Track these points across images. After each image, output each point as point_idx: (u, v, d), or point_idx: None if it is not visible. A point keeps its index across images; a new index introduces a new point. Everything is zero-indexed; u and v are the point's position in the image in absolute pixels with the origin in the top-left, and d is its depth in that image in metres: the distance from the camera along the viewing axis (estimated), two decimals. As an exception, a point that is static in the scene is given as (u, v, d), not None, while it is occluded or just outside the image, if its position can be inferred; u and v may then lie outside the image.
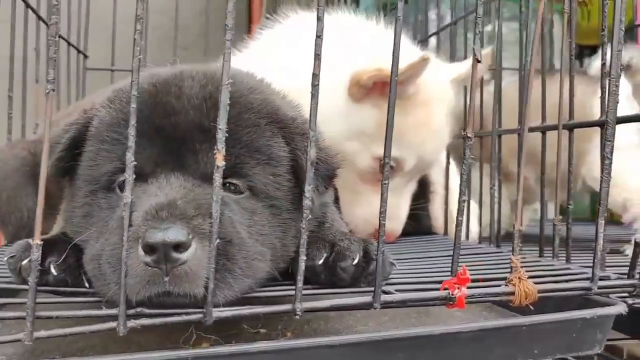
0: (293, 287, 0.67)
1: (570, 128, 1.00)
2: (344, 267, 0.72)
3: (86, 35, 1.91)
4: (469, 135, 0.71)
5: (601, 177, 0.72)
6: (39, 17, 1.58)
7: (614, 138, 0.72)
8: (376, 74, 1.12)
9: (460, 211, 0.71)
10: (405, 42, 1.36)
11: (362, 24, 1.33)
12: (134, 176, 0.66)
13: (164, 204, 0.63)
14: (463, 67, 1.28)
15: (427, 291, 0.71)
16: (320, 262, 0.73)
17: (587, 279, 0.80)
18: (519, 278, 0.71)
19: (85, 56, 1.92)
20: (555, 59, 2.45)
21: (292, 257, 0.76)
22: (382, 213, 0.67)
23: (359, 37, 1.24)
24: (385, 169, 0.67)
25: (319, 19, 0.65)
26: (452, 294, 0.70)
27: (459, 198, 0.71)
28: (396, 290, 0.74)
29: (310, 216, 0.65)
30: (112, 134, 0.69)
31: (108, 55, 1.96)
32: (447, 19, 1.55)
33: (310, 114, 0.65)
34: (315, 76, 0.65)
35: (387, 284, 0.79)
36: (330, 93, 1.14)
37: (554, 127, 0.99)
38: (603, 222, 0.72)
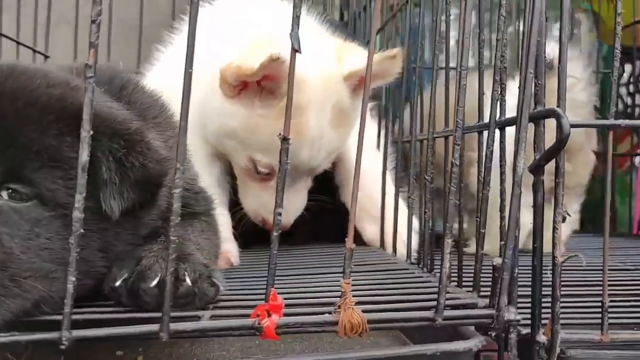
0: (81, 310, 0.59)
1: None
2: (145, 289, 0.63)
3: (47, 36, 1.87)
4: (286, 137, 0.61)
5: (449, 187, 0.61)
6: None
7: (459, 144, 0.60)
8: (235, 72, 1.00)
9: (275, 225, 0.60)
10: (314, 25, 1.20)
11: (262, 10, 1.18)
12: None
13: None
14: (361, 60, 1.08)
15: (234, 318, 0.61)
16: (118, 283, 0.63)
17: (450, 306, 0.69)
18: (346, 306, 0.60)
19: (46, 57, 1.88)
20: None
21: (103, 273, 0.67)
22: (171, 239, 0.58)
23: (244, 24, 1.12)
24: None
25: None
26: (260, 323, 0.59)
27: (274, 209, 0.61)
28: (212, 317, 0.64)
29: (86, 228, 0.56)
30: None
31: (70, 54, 1.91)
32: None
33: (84, 111, 0.57)
34: (89, 68, 0.56)
35: (216, 308, 0.69)
36: (210, 87, 1.04)
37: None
38: (450, 241, 0.61)
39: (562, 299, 0.70)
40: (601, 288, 0.71)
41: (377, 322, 0.61)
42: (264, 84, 1.01)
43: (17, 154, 0.60)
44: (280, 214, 0.60)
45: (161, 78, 1.18)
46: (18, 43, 1.74)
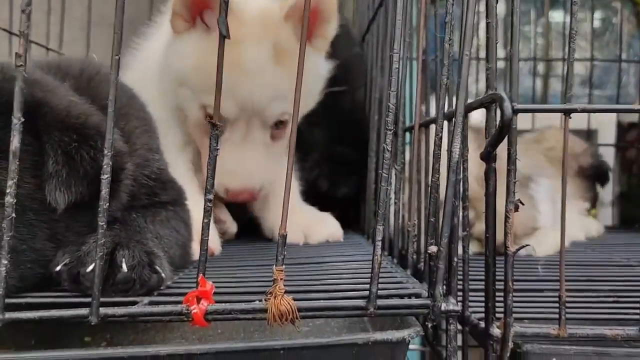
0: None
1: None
2: (83, 274, 0.64)
3: (61, 35, 1.93)
4: (216, 122, 0.61)
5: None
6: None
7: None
8: None
9: (206, 211, 0.60)
10: None
11: None
12: None
13: None
14: None
15: (168, 305, 0.61)
16: (58, 268, 0.65)
17: (397, 295, 0.67)
18: (276, 293, 0.59)
19: (60, 54, 1.93)
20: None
21: (52, 261, 0.68)
22: (101, 216, 0.58)
23: None
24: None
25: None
26: (189, 309, 0.59)
27: (205, 197, 0.61)
28: (151, 302, 0.64)
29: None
30: None
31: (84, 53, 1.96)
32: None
33: (15, 98, 0.57)
34: (19, 57, 0.57)
35: (162, 295, 0.70)
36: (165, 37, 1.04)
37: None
38: (382, 228, 0.59)
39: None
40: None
41: (307, 310, 0.60)
42: (207, 21, 1.00)
43: None
44: (210, 200, 0.60)
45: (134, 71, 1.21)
46: (30, 42, 1.79)
